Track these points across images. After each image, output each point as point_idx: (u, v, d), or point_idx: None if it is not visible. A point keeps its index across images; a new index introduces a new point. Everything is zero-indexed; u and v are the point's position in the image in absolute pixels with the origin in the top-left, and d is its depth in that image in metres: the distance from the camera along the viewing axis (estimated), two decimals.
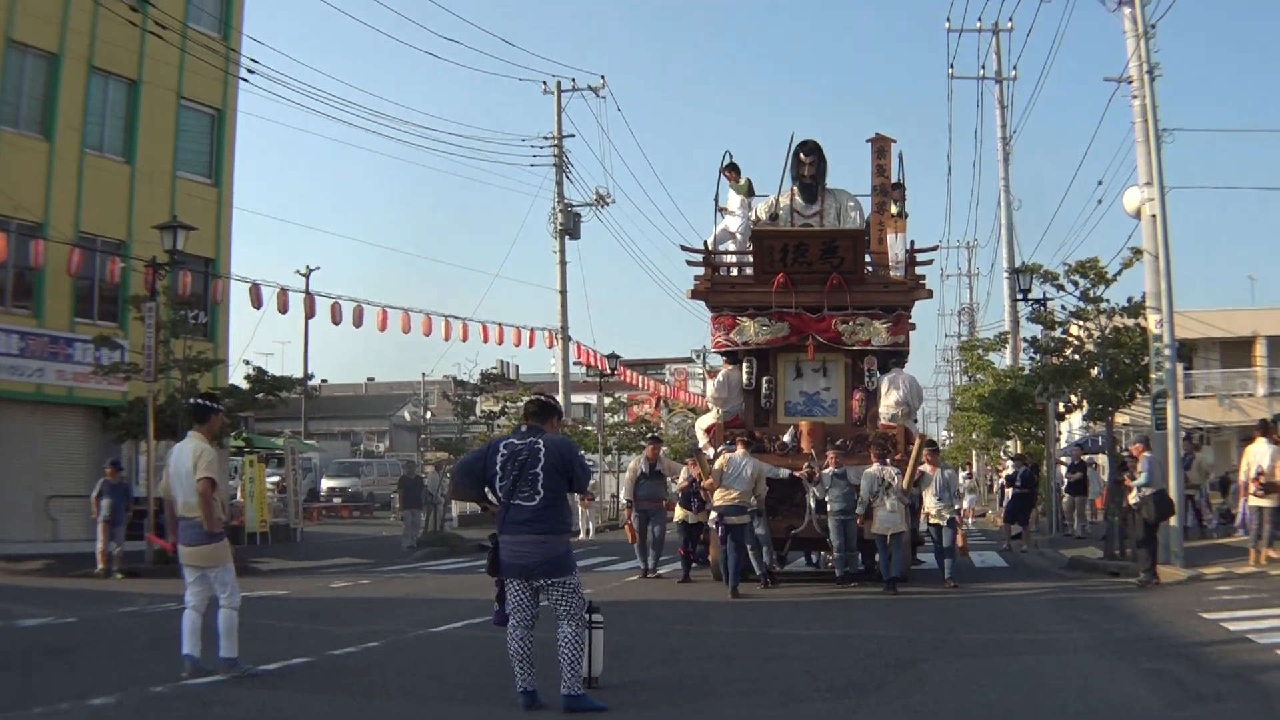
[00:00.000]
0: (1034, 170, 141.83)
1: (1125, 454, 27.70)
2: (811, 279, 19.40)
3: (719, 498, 17.45)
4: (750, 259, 20.05)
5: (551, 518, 8.85)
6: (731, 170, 20.55)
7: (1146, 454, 18.62)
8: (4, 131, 26.66)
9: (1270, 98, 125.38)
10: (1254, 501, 19.68)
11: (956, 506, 19.15)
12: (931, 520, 18.55)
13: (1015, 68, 38.32)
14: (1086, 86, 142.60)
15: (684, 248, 20.89)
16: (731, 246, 20.67)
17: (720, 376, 20.45)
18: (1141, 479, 18.23)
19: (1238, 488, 20.72)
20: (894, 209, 20.21)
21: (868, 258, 20.03)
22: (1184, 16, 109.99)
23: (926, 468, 18.42)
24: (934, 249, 21.60)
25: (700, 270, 20.13)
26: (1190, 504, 23.44)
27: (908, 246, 20.04)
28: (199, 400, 10.98)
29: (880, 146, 20.51)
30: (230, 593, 10.17)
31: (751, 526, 17.80)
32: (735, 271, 20.61)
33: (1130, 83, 20.97)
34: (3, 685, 10.01)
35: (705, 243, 20.45)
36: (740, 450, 17.78)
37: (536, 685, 8.90)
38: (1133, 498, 18.56)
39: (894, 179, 20.41)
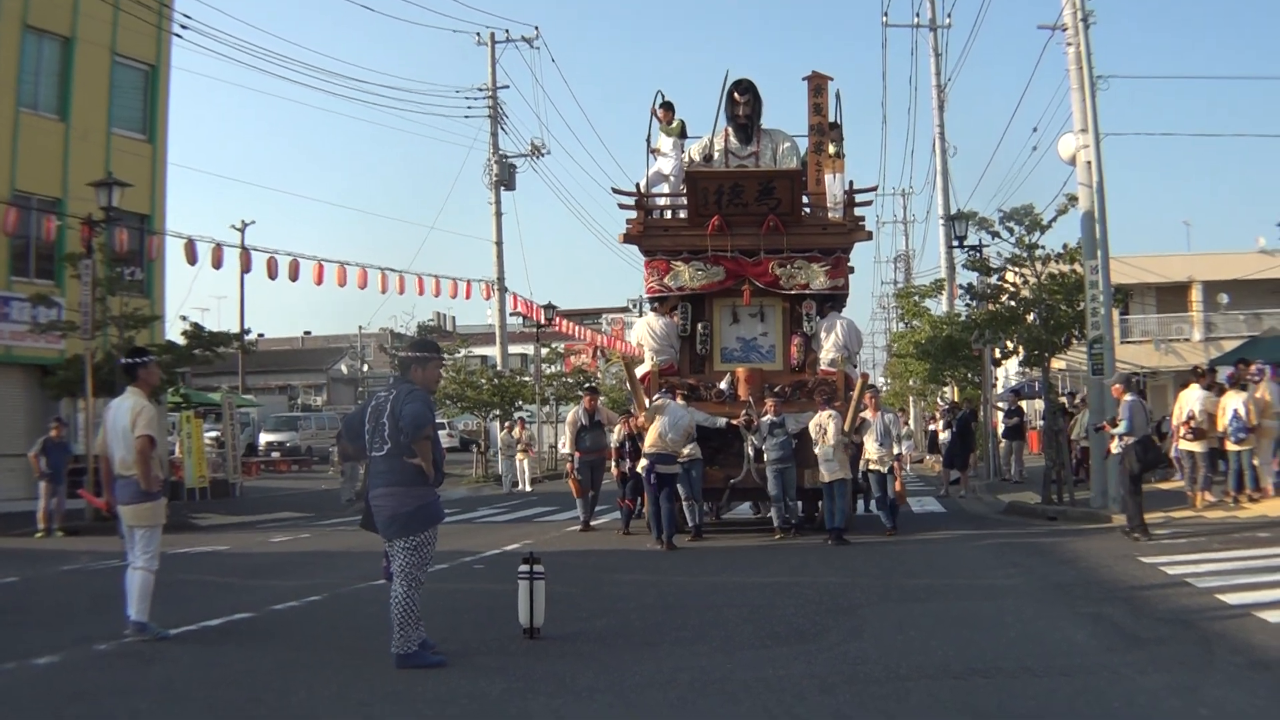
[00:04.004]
0: (969, 117, 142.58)
1: (1064, 398, 27.84)
2: (748, 221, 19.07)
3: (650, 442, 17.27)
4: (684, 202, 19.68)
5: (398, 469, 8.64)
6: (665, 110, 20.05)
7: (1128, 397, 16.77)
8: None
9: (1205, 46, 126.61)
10: (1184, 445, 19.86)
11: (897, 452, 19.00)
12: (872, 466, 18.39)
13: (950, 15, 38.39)
14: (1021, 34, 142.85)
15: (616, 190, 20.55)
16: (665, 189, 20.21)
17: (645, 326, 20.05)
18: (1122, 426, 16.48)
19: (1171, 432, 20.78)
20: (832, 149, 19.88)
21: (805, 199, 19.64)
22: None
23: (868, 413, 18.28)
24: (873, 189, 21.36)
25: (633, 214, 19.76)
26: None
27: (846, 187, 19.76)
28: (128, 359, 10.74)
29: (817, 84, 19.95)
30: (150, 556, 9.99)
31: (688, 477, 17.63)
32: (669, 215, 20.21)
33: (1065, 30, 20.92)
34: None
35: (638, 185, 20.07)
36: (679, 400, 17.64)
37: (426, 637, 8.82)
38: (1114, 446, 17.05)
39: (831, 119, 20.02)
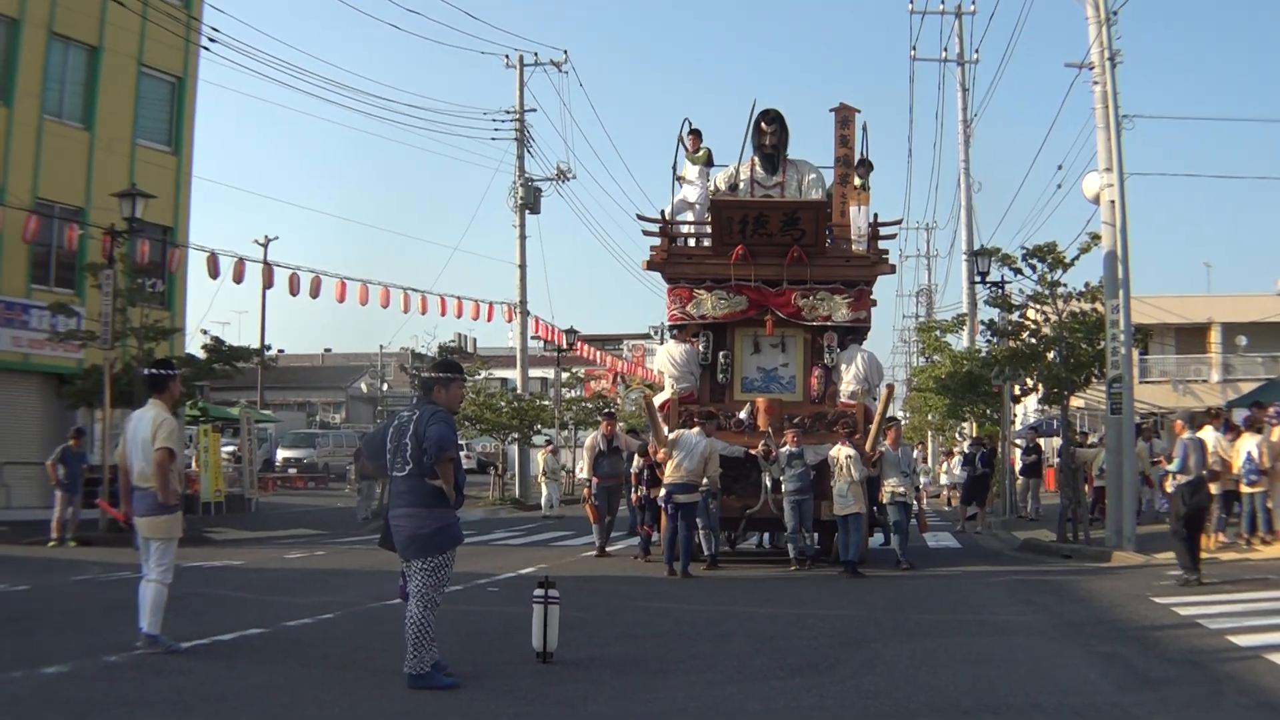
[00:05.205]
0: (995, 153, 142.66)
1: (1080, 435, 27.69)
2: (771, 251, 19.05)
3: (669, 473, 17.26)
4: (709, 230, 19.68)
5: (419, 489, 8.65)
6: (692, 137, 20.03)
7: (1186, 435, 16.33)
8: None
9: (1230, 86, 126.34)
10: None
11: (917, 484, 18.92)
12: (896, 498, 18.39)
13: (978, 51, 38.30)
14: (1048, 71, 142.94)
15: (640, 217, 20.56)
16: (690, 217, 20.19)
17: (666, 353, 20.02)
18: (1174, 464, 16.02)
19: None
20: (857, 181, 19.85)
21: (829, 231, 19.63)
22: (1146, 3, 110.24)
23: (887, 445, 18.27)
24: (897, 223, 21.27)
25: (657, 241, 19.76)
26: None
27: (870, 220, 19.72)
28: (153, 370, 10.69)
29: (844, 116, 20.01)
30: (164, 569, 9.96)
31: (705, 507, 17.61)
32: (693, 243, 20.19)
33: (1092, 69, 20.93)
34: None
35: (662, 213, 20.09)
36: (696, 429, 17.61)
37: (440, 658, 8.80)
38: (1169, 485, 16.55)
39: (859, 152, 19.95)
